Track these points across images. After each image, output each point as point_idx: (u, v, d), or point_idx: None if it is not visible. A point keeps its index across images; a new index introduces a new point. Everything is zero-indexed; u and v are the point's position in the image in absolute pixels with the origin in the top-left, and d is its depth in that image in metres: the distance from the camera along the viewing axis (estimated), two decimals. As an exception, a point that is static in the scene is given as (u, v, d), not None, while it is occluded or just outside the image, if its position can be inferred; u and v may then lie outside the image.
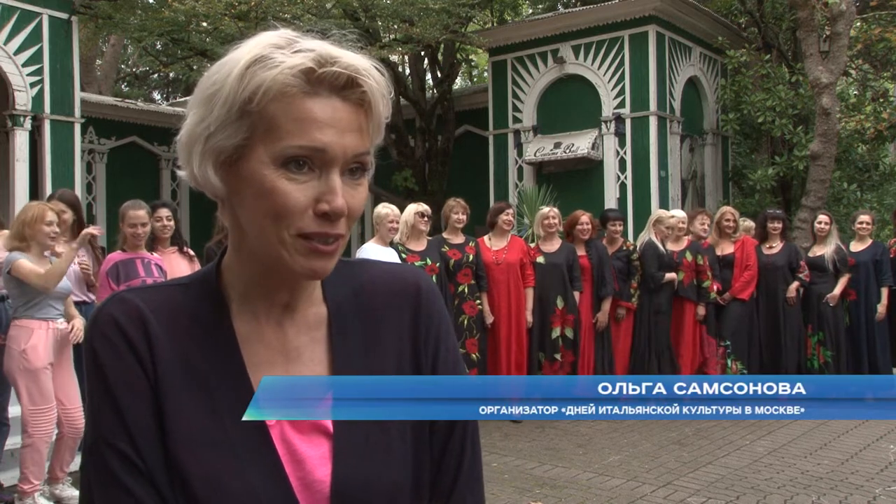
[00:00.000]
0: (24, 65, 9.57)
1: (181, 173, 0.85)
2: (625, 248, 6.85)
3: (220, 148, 0.80)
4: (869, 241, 7.09)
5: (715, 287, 6.91)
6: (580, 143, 11.55)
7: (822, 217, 7.19)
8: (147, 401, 0.81)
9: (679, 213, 7.23)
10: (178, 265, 4.86)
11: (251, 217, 0.80)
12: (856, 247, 7.10)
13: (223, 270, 0.88)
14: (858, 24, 12.03)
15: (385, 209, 5.81)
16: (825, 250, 7.00)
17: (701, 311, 6.88)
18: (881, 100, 12.19)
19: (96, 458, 0.80)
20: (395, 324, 0.92)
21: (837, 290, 6.89)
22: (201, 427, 0.81)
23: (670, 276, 6.64)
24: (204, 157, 0.81)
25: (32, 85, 9.66)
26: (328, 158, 0.78)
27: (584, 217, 6.64)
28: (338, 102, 0.79)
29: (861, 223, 7.12)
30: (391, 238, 5.87)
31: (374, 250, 5.67)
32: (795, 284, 7.00)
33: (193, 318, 0.85)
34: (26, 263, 4.02)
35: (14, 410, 4.57)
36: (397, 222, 5.84)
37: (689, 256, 6.86)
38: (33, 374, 4.03)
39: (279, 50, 0.79)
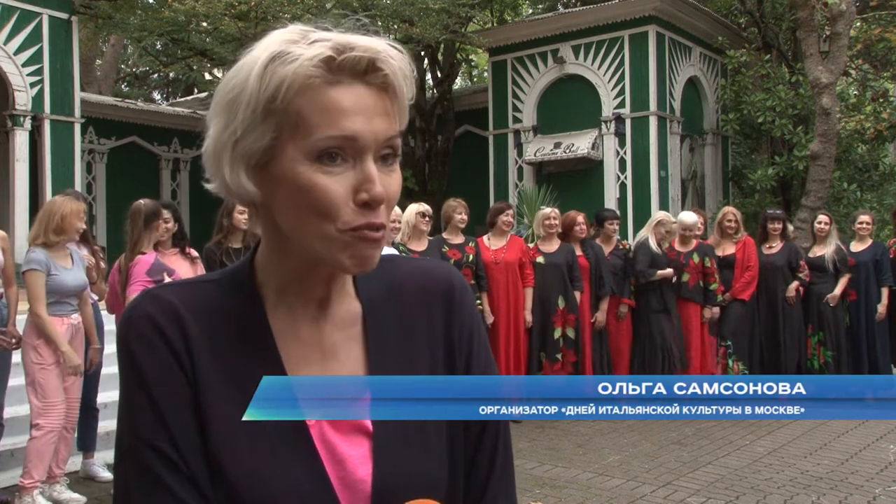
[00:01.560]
0: (24, 65, 9.58)
1: (210, 186, 0.84)
2: (621, 247, 6.85)
3: (250, 151, 0.78)
4: (869, 242, 7.09)
5: (721, 290, 6.89)
6: (580, 143, 11.56)
7: (822, 217, 7.19)
8: (187, 399, 0.80)
9: (690, 219, 6.94)
10: (180, 267, 4.86)
11: (292, 217, 0.79)
12: (856, 247, 7.10)
13: (256, 268, 0.87)
14: (858, 24, 12.03)
15: (385, 209, 5.81)
16: (825, 250, 7.00)
17: (707, 313, 6.81)
18: (881, 100, 12.19)
19: (136, 460, 0.79)
20: (428, 321, 0.91)
21: (838, 291, 6.88)
22: (241, 425, 0.79)
23: (662, 273, 6.57)
24: (234, 163, 0.79)
25: (32, 85, 9.66)
26: (360, 146, 0.77)
27: (580, 217, 6.65)
28: (361, 88, 0.78)
29: (861, 223, 7.11)
30: (392, 238, 5.86)
31: (374, 250, 5.67)
32: (795, 284, 7.00)
33: (228, 315, 0.84)
34: (37, 283, 4.06)
35: (11, 411, 4.58)
36: (398, 222, 5.84)
37: (696, 258, 6.79)
38: (47, 369, 4.10)
39: (295, 44, 0.77)
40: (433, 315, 0.92)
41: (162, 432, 0.78)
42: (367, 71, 0.78)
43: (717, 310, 6.82)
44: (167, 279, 4.25)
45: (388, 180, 0.80)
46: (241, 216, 4.85)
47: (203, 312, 0.83)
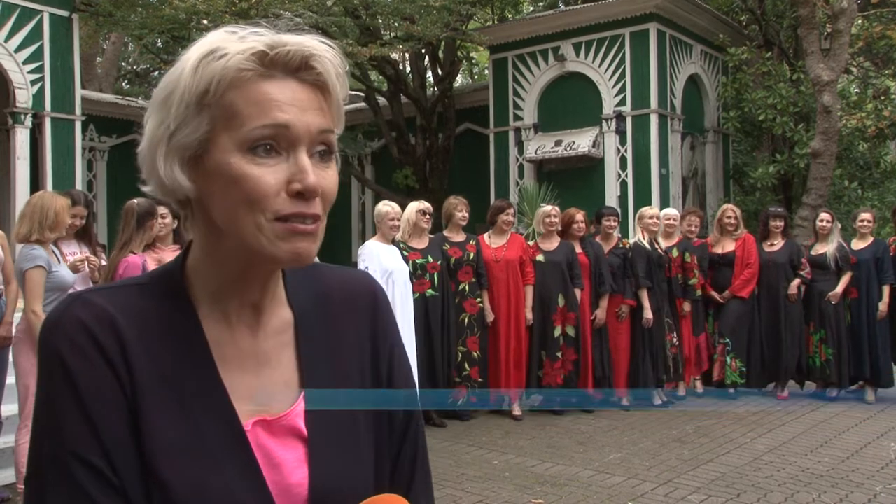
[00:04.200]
0: (25, 62, 9.57)
1: (146, 188, 0.83)
2: (621, 245, 6.86)
3: (184, 144, 0.78)
4: (870, 239, 7.08)
5: (700, 285, 7.00)
6: (581, 141, 11.55)
7: (824, 215, 7.18)
8: (121, 410, 0.77)
9: (668, 211, 7.32)
10: None
11: (225, 210, 0.78)
12: (857, 245, 7.09)
13: (188, 272, 0.85)
14: (860, 21, 12.01)
15: (386, 207, 5.80)
16: (827, 248, 7.00)
17: (686, 307, 6.98)
18: (882, 97, 12.17)
19: (60, 473, 0.74)
20: (355, 329, 0.94)
21: (840, 289, 6.88)
22: (179, 434, 0.78)
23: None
24: (168, 157, 0.79)
25: (33, 82, 9.66)
26: (293, 137, 0.77)
27: (579, 215, 6.65)
28: (294, 84, 0.79)
29: (862, 221, 7.11)
30: (393, 236, 5.86)
31: (376, 248, 5.67)
32: (797, 282, 7.01)
33: (161, 321, 0.82)
34: (39, 280, 4.01)
35: (12, 408, 4.56)
36: (398, 220, 5.83)
37: (675, 253, 6.93)
38: None
39: (227, 41, 0.78)
40: (360, 323, 0.94)
41: (95, 446, 0.75)
42: (300, 68, 0.79)
43: (687, 305, 7.00)
44: None
45: (324, 174, 0.80)
46: (163, 220, 4.70)
47: (136, 318, 0.80)
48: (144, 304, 0.82)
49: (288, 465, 0.83)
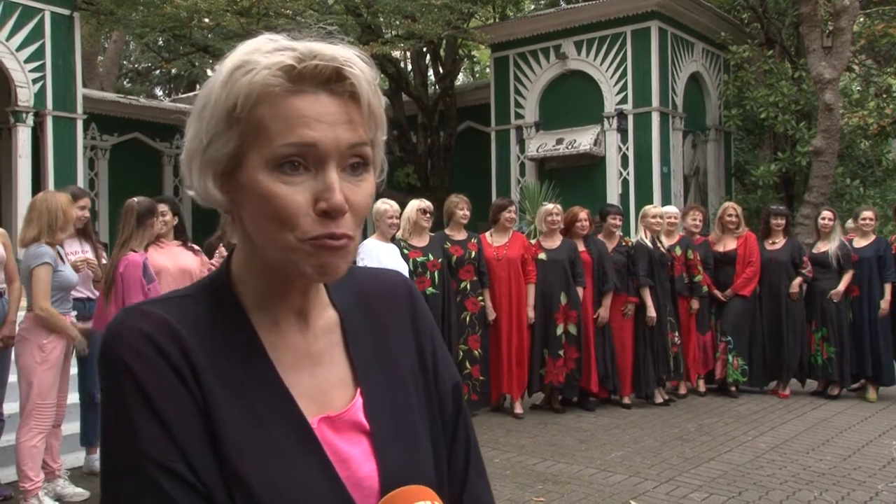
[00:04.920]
0: (27, 61, 9.58)
1: (190, 193, 0.84)
2: (623, 243, 6.86)
3: (216, 159, 0.79)
4: (872, 237, 7.07)
5: (706, 282, 7.01)
6: (582, 139, 11.54)
7: (826, 213, 7.17)
8: (194, 415, 0.77)
9: (669, 209, 7.29)
10: (185, 257, 4.85)
11: (256, 226, 0.79)
12: (859, 243, 7.08)
13: (234, 279, 0.86)
14: (862, 19, 12.00)
15: (384, 205, 5.79)
16: (829, 246, 6.99)
17: (694, 304, 6.98)
18: (884, 95, 12.16)
19: (142, 482, 0.74)
20: (396, 324, 0.95)
21: (842, 287, 6.87)
22: (251, 436, 0.79)
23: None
24: (202, 170, 0.80)
25: (35, 81, 9.67)
26: (321, 154, 0.76)
27: (583, 213, 6.64)
28: (325, 97, 0.77)
29: (864, 219, 7.10)
30: (392, 234, 5.86)
31: (375, 246, 5.66)
32: (799, 280, 7.00)
33: (217, 328, 0.82)
34: (47, 277, 4.00)
35: (13, 406, 4.56)
36: (397, 218, 5.83)
37: (678, 251, 6.93)
38: (50, 367, 4.05)
39: (258, 53, 0.78)
40: (400, 318, 0.96)
41: (175, 453, 0.75)
42: (330, 80, 0.78)
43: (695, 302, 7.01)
44: (157, 282, 4.25)
45: (355, 189, 0.79)
46: (163, 217, 4.73)
47: (193, 326, 0.81)
48: (198, 312, 0.83)
49: (356, 459, 0.84)
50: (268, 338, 0.84)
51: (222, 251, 4.84)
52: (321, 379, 0.87)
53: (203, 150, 0.79)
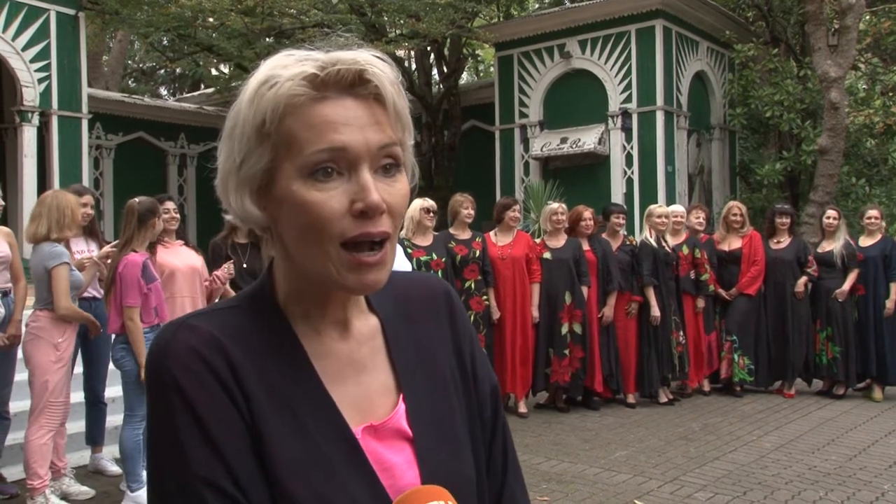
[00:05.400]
0: (32, 61, 9.61)
1: (228, 217, 0.85)
2: (628, 242, 6.85)
3: (251, 175, 0.80)
4: (878, 236, 7.05)
5: (712, 280, 6.99)
6: (587, 138, 11.53)
7: (831, 212, 7.15)
8: (242, 433, 0.77)
9: (675, 208, 7.28)
10: (189, 255, 4.86)
11: (294, 238, 0.79)
12: (864, 242, 7.06)
13: (276, 290, 0.86)
14: (868, 17, 11.96)
15: (388, 204, 5.80)
16: (834, 245, 6.97)
17: (700, 303, 6.96)
18: (890, 94, 12.11)
19: (191, 501, 0.75)
20: (436, 329, 0.96)
21: (847, 286, 6.85)
22: (298, 450, 0.79)
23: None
24: (239, 189, 0.81)
25: (40, 81, 9.69)
26: (352, 157, 0.77)
27: (587, 213, 6.64)
28: (349, 101, 0.78)
29: (870, 218, 7.08)
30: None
31: (379, 245, 5.66)
32: (804, 279, 6.98)
33: (261, 340, 0.82)
34: (66, 277, 4.03)
35: (20, 405, 4.58)
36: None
37: (685, 250, 6.92)
38: (63, 366, 4.08)
39: (281, 68, 0.79)
40: (439, 322, 0.96)
41: (222, 471, 0.75)
42: (354, 84, 0.78)
43: (701, 301, 6.98)
44: (158, 281, 4.25)
45: (390, 189, 0.79)
46: (170, 214, 4.81)
47: (239, 339, 0.81)
48: (243, 324, 0.83)
49: (399, 467, 0.84)
50: (311, 347, 0.85)
51: (230, 268, 4.85)
52: (365, 386, 0.87)
53: (237, 169, 0.80)
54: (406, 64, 14.78)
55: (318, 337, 0.85)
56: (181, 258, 4.74)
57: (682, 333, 6.80)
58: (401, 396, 0.88)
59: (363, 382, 0.87)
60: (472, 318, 6.17)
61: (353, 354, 0.87)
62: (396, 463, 0.84)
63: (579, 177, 11.66)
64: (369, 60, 0.79)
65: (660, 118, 11.19)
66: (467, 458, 0.90)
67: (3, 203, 4.50)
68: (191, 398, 0.76)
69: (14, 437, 4.55)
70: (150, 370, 0.80)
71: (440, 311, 0.97)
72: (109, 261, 4.35)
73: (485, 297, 6.22)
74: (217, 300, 4.48)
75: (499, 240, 6.47)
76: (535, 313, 6.37)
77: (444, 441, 0.88)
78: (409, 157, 0.85)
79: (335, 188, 0.77)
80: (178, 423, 0.76)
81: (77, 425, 4.82)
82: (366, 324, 0.90)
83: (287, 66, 0.78)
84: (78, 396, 4.74)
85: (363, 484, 0.80)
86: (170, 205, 4.84)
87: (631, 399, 6.67)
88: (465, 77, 17.88)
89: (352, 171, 0.77)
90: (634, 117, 11.36)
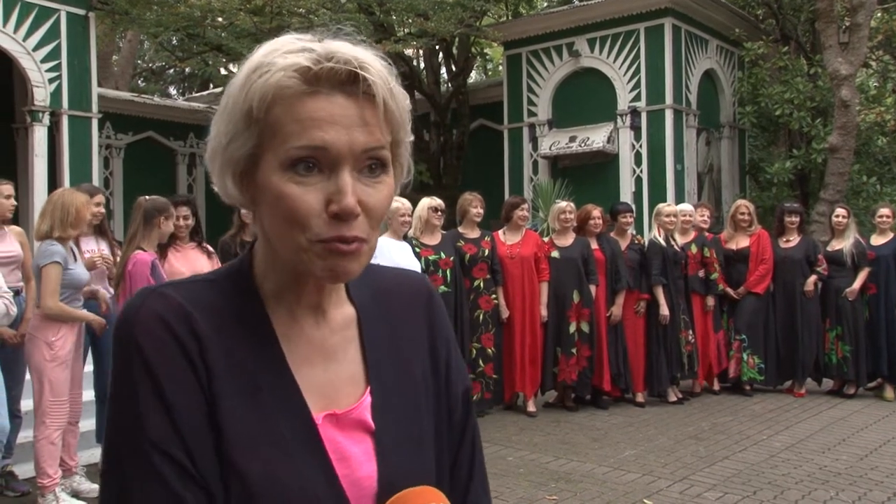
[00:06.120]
0: (43, 61, 9.66)
1: (215, 188, 0.85)
2: (636, 241, 6.83)
3: (235, 159, 0.80)
4: (890, 235, 7.00)
5: (721, 279, 6.97)
6: (595, 137, 11.50)
7: (840, 210, 7.12)
8: (199, 403, 0.77)
9: (683, 207, 7.26)
10: (198, 261, 4.87)
11: (270, 225, 0.80)
12: (876, 240, 7.02)
13: (255, 269, 0.87)
14: (879, 14, 11.88)
15: (396, 203, 5.79)
16: (843, 244, 6.93)
17: (710, 302, 6.94)
18: (901, 91, 12.02)
19: (142, 465, 0.75)
20: (414, 326, 0.95)
21: (857, 285, 6.82)
22: (254, 426, 0.79)
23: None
24: (223, 169, 0.81)
25: (51, 81, 9.74)
26: (333, 157, 0.76)
27: (596, 211, 6.63)
28: (340, 98, 0.77)
29: (881, 216, 7.03)
30: (404, 232, 5.86)
31: (387, 244, 5.66)
32: (813, 278, 6.95)
33: (232, 316, 0.83)
34: (56, 276, 4.01)
35: (26, 405, 4.60)
36: (409, 216, 5.82)
37: (693, 249, 6.89)
38: (60, 364, 4.07)
39: (276, 54, 0.78)
40: (418, 320, 0.96)
41: (176, 439, 0.76)
42: (347, 81, 0.77)
43: (711, 300, 6.97)
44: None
45: (370, 191, 0.79)
46: (184, 220, 4.85)
47: (209, 312, 0.81)
48: (215, 298, 0.83)
49: (356, 458, 0.84)
50: (283, 329, 0.85)
51: None
52: (332, 374, 0.87)
53: (224, 149, 0.80)
54: (414, 63, 14.77)
55: (290, 319, 0.85)
56: (189, 265, 4.73)
57: (691, 332, 6.78)
58: (367, 389, 0.87)
59: (331, 370, 0.86)
60: (480, 317, 6.18)
61: (324, 341, 0.87)
62: (354, 454, 0.83)
63: (588, 175, 11.63)
64: (365, 60, 0.78)
65: (669, 117, 11.15)
66: (428, 458, 0.89)
67: (15, 203, 4.53)
68: (152, 364, 0.77)
69: (25, 434, 4.57)
70: (116, 334, 0.80)
71: (420, 311, 0.96)
72: (118, 259, 4.37)
73: (493, 296, 6.22)
74: None
75: (507, 239, 6.46)
76: (544, 312, 6.36)
77: (407, 438, 0.88)
78: (404, 153, 0.84)
79: (314, 184, 0.77)
80: (138, 388, 0.77)
81: (88, 423, 4.84)
82: (342, 313, 0.90)
83: (283, 54, 0.77)
84: (89, 394, 4.76)
85: (317, 470, 0.80)
86: (184, 211, 4.81)
87: (640, 398, 6.66)
88: (473, 76, 17.86)
89: (332, 170, 0.77)
90: (643, 116, 11.32)
